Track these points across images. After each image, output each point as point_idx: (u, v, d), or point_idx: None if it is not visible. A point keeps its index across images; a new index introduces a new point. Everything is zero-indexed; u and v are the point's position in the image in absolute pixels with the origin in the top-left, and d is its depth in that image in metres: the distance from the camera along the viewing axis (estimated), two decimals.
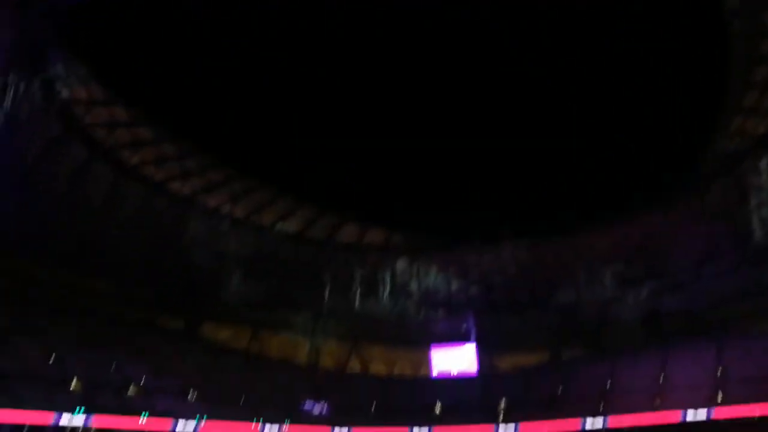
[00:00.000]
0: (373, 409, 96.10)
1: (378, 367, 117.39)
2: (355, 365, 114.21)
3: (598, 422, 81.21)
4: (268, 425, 76.77)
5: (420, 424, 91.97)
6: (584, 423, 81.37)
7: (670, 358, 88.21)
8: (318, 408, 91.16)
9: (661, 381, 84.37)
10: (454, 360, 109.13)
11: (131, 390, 69.25)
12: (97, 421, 60.16)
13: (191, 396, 75.45)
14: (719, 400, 74.95)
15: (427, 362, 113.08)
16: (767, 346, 79.88)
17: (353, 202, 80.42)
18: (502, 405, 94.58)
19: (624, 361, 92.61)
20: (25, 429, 53.85)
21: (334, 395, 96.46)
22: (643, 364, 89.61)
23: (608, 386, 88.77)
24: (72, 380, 63.98)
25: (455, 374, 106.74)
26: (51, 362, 64.65)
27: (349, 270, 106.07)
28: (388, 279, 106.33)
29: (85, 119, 68.24)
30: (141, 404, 66.77)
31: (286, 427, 79.01)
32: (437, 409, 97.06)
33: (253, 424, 75.24)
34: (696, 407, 74.47)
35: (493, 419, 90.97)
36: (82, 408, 59.30)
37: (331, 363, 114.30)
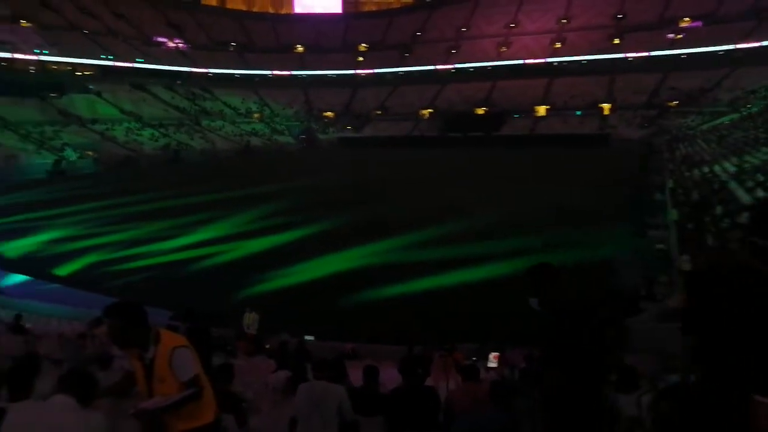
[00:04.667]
0: (232, 48, 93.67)
1: (236, 3, 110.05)
2: None
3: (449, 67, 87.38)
4: (120, 63, 72.80)
5: (284, 65, 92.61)
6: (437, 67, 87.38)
7: (525, 4, 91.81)
8: (174, 43, 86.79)
9: (512, 27, 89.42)
10: None
11: None
12: None
13: (26, 24, 67.42)
14: (558, 46, 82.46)
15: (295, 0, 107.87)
16: None
17: None
18: (363, 46, 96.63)
19: (483, 6, 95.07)
20: None
21: (191, 32, 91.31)
22: (499, 8, 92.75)
23: (464, 30, 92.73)
24: None
25: (319, 12, 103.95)
26: None
27: None
28: None
29: None
30: None
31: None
32: (299, 48, 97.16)
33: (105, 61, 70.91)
34: (538, 55, 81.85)
35: (354, 60, 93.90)
36: None
37: None
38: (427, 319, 12.68)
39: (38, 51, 63.39)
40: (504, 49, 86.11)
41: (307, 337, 11.25)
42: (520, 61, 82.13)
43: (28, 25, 67.96)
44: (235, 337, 11.35)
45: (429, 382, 7.20)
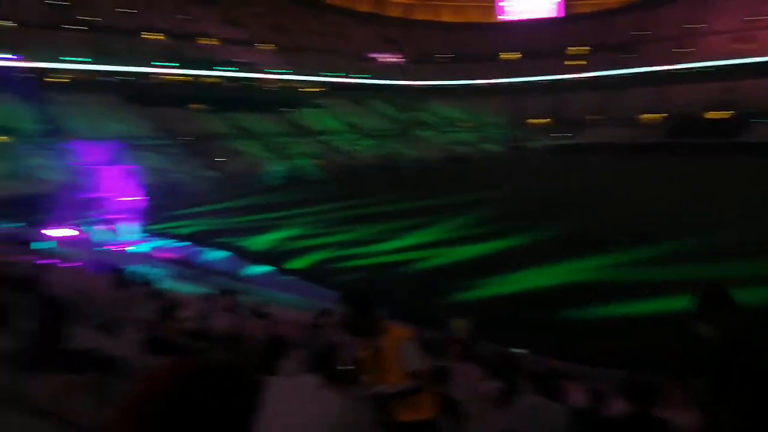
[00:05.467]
0: (443, 59, 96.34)
1: (447, 15, 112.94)
2: (424, 13, 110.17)
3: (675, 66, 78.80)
4: (343, 79, 79.46)
5: (492, 76, 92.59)
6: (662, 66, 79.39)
7: None
8: (390, 58, 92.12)
9: (749, 20, 77.34)
10: (530, 3, 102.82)
11: (206, 41, 71.83)
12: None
13: (265, 47, 77.21)
14: None
15: (499, 8, 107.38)
16: None
17: None
18: (577, 50, 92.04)
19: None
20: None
21: (405, 46, 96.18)
22: (734, 1, 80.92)
23: (693, 27, 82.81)
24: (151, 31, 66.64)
25: (529, 18, 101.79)
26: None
27: None
28: None
29: None
30: (220, 54, 69.82)
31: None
32: (508, 55, 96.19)
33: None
34: None
35: (566, 65, 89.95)
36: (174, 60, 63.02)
37: (398, 12, 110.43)
38: (654, 344, 11.51)
39: (276, 71, 72.26)
40: (742, 45, 74.91)
41: (517, 350, 10.98)
42: (766, 59, 70.52)
43: (268, 47, 77.98)
44: (443, 341, 11.54)
45: (658, 412, 6.50)
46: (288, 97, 72.26)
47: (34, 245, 17.71)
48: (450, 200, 32.50)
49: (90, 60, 57.45)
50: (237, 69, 68.94)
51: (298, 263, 19.79)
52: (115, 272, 15.22)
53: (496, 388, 6.91)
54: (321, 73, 77.89)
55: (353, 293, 3.50)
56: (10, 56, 51.34)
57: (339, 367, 3.81)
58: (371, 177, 51.16)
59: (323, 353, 3.71)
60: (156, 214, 27.54)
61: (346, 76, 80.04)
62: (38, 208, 32.30)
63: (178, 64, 63.77)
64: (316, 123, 69.68)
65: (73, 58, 56.26)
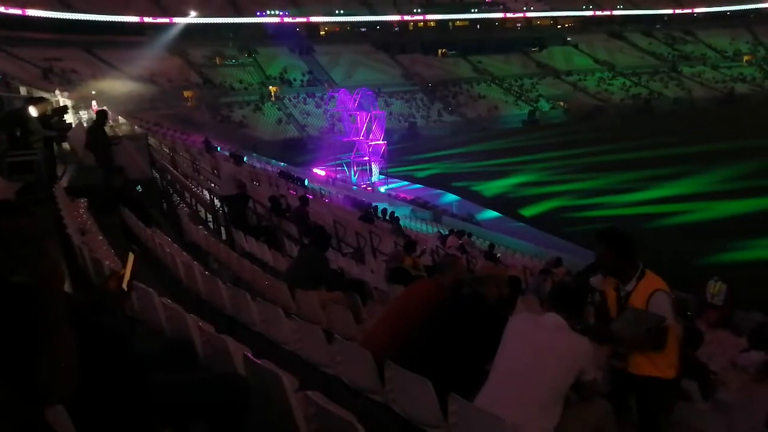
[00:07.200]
0: None
1: None
2: None
3: None
4: (598, 12, 72.54)
5: None
6: None
7: None
8: None
9: None
10: None
11: None
12: None
13: None
14: None
15: None
16: None
17: None
18: None
19: None
20: None
21: None
22: None
23: None
24: None
25: None
26: None
27: None
28: None
29: None
30: None
31: None
32: None
33: None
34: None
35: None
36: None
37: None
38: None
39: (525, 8, 69.01)
40: None
41: None
42: None
43: None
44: (696, 305, 10.49)
45: None
46: (537, 35, 68.91)
47: (301, 181, 20.49)
48: (717, 147, 28.11)
49: (344, 12, 61.34)
50: (486, 9, 67.60)
51: (529, 210, 19.53)
52: (363, 208, 16.92)
53: (762, 361, 6.20)
54: (575, 7, 71.19)
55: (615, 231, 3.35)
56: (281, 12, 58.28)
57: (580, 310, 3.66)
58: (621, 120, 46.97)
59: (561, 295, 3.64)
60: (397, 157, 29.42)
61: (603, 9, 71.81)
62: (302, 149, 37.02)
63: (425, 9, 64.42)
64: (564, 62, 65.59)
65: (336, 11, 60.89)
